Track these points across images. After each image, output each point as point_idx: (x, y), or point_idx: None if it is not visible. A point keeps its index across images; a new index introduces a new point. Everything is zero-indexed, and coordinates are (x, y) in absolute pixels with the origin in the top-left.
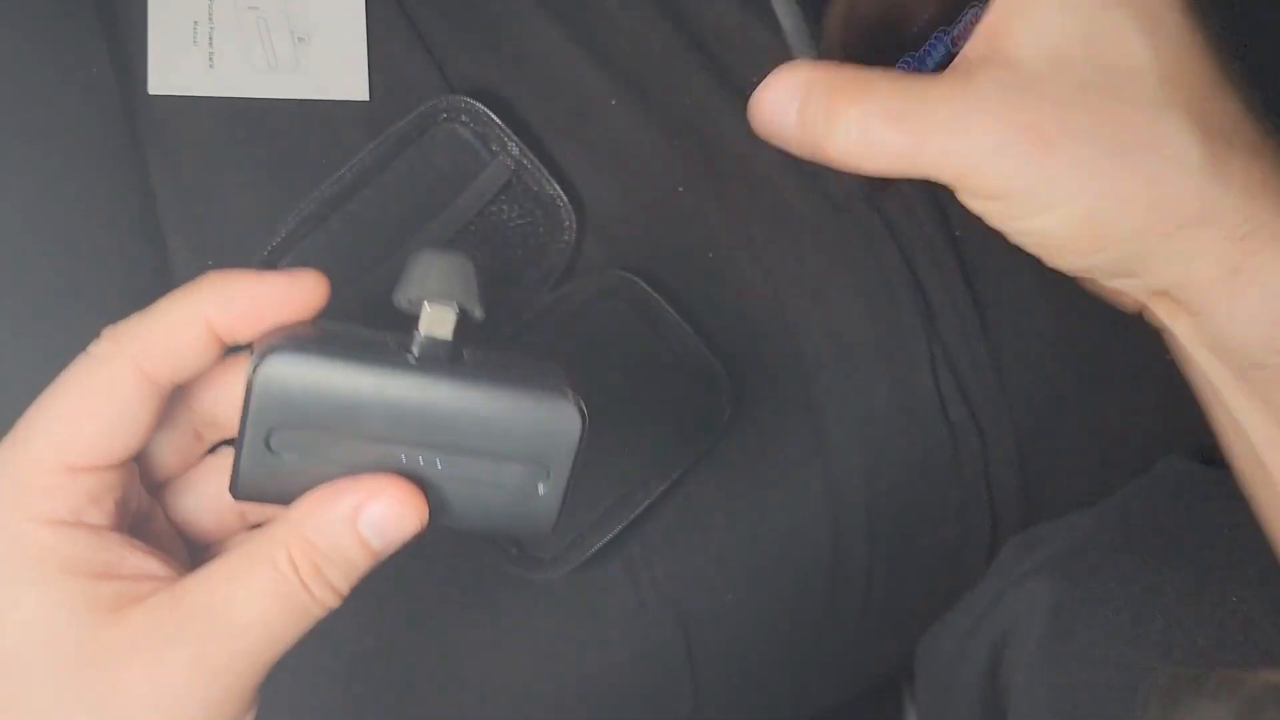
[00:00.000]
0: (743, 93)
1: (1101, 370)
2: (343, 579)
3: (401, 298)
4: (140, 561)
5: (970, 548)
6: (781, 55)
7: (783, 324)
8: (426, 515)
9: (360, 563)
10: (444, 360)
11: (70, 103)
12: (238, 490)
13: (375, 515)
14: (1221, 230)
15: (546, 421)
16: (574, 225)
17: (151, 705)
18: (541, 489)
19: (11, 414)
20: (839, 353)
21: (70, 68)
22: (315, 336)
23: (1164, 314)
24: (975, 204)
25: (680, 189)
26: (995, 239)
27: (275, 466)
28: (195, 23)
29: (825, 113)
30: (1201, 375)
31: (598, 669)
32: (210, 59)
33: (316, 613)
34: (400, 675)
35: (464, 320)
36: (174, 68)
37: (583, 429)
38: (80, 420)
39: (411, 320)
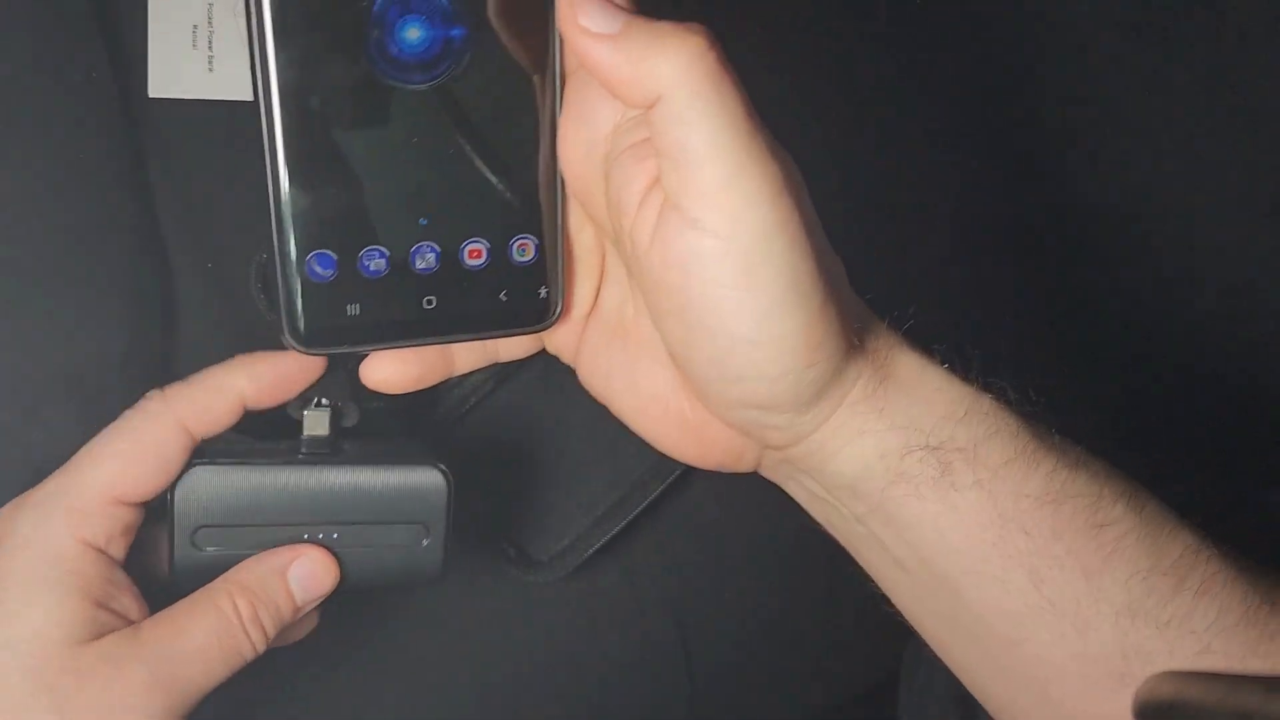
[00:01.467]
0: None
1: (1099, 370)
2: (271, 623)
3: (292, 408)
4: (126, 601)
5: None
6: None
7: None
8: (338, 575)
9: (285, 612)
10: (326, 453)
11: (70, 106)
12: (172, 583)
13: (300, 571)
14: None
15: (418, 488)
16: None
17: (108, 711)
18: (425, 542)
19: (12, 413)
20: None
21: (70, 71)
22: (222, 450)
23: (774, 467)
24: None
25: None
26: (995, 241)
27: (201, 559)
28: (195, 26)
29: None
30: (831, 510)
31: (595, 669)
32: (210, 63)
33: (247, 653)
34: (400, 674)
35: (339, 419)
36: (174, 71)
37: (449, 490)
38: (132, 460)
39: (299, 426)
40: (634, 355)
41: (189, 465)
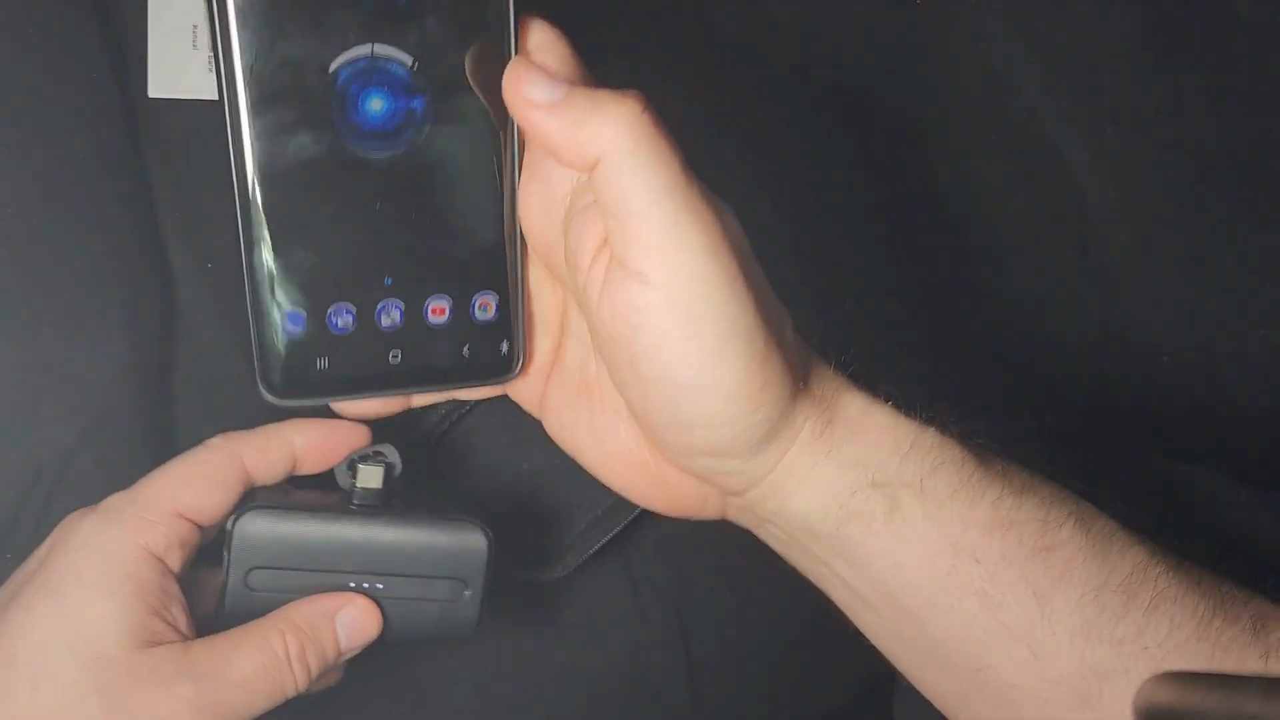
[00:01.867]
0: (741, 96)
1: (1100, 370)
2: (316, 664)
3: (343, 464)
4: (177, 613)
5: None
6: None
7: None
8: (381, 625)
9: (330, 655)
10: (377, 506)
11: (70, 106)
12: (223, 619)
13: (347, 618)
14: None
15: (460, 545)
16: None
17: None
18: (464, 598)
19: (12, 413)
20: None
21: (70, 71)
22: (279, 497)
23: (739, 513)
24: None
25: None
26: (994, 242)
27: (252, 599)
28: (195, 26)
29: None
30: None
31: (596, 669)
32: (210, 62)
33: (289, 690)
34: (399, 672)
35: (390, 476)
36: (174, 71)
37: (489, 548)
38: (193, 478)
39: (353, 477)
40: (596, 409)
41: (248, 508)
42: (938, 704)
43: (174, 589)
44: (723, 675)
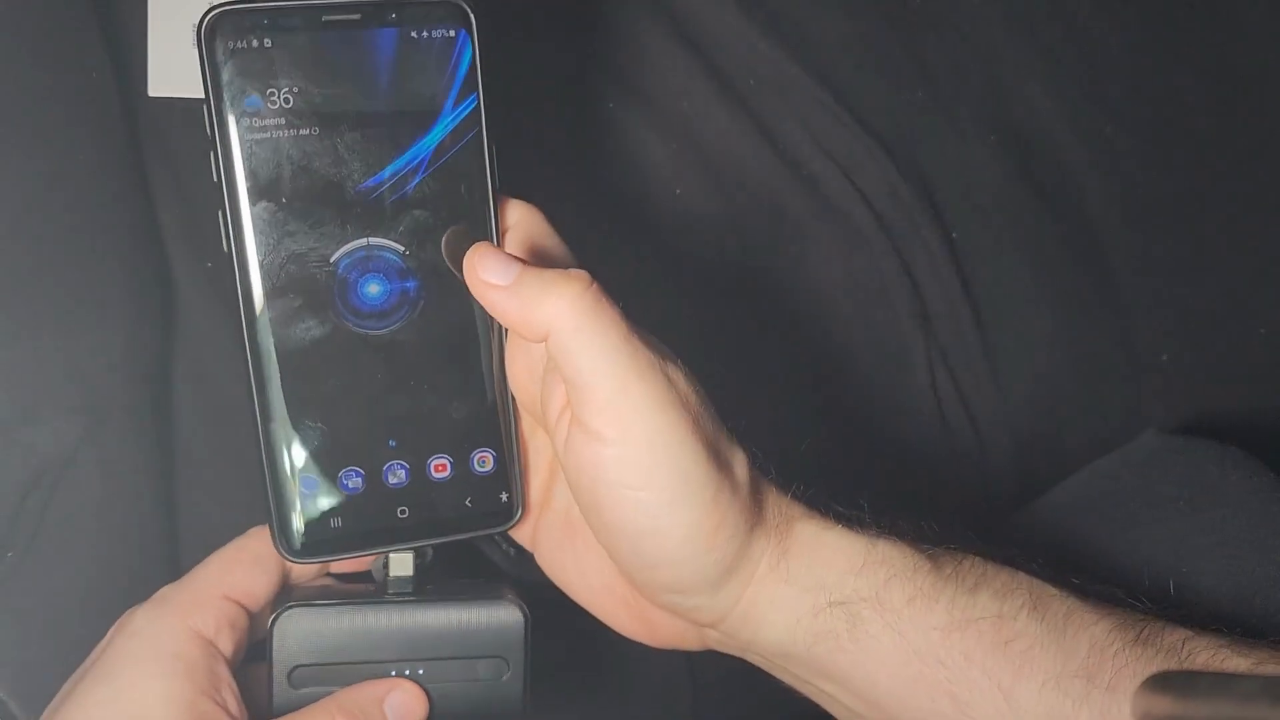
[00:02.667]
0: (740, 96)
1: (1100, 370)
2: None
3: (374, 568)
4: (228, 696)
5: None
6: (780, 59)
7: (778, 323)
8: (427, 709)
9: None
10: (410, 592)
11: (70, 106)
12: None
13: (396, 702)
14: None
15: (497, 624)
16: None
17: None
18: (506, 676)
19: (12, 413)
20: (836, 354)
21: (70, 71)
22: (314, 593)
23: (721, 644)
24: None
25: (678, 190)
26: (992, 241)
27: (299, 697)
28: (195, 26)
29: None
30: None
31: (596, 668)
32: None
33: None
34: None
35: (422, 561)
36: (174, 70)
37: (526, 625)
38: (236, 566)
39: (385, 566)
40: (581, 549)
41: (286, 607)
42: None
43: (224, 672)
44: (723, 673)
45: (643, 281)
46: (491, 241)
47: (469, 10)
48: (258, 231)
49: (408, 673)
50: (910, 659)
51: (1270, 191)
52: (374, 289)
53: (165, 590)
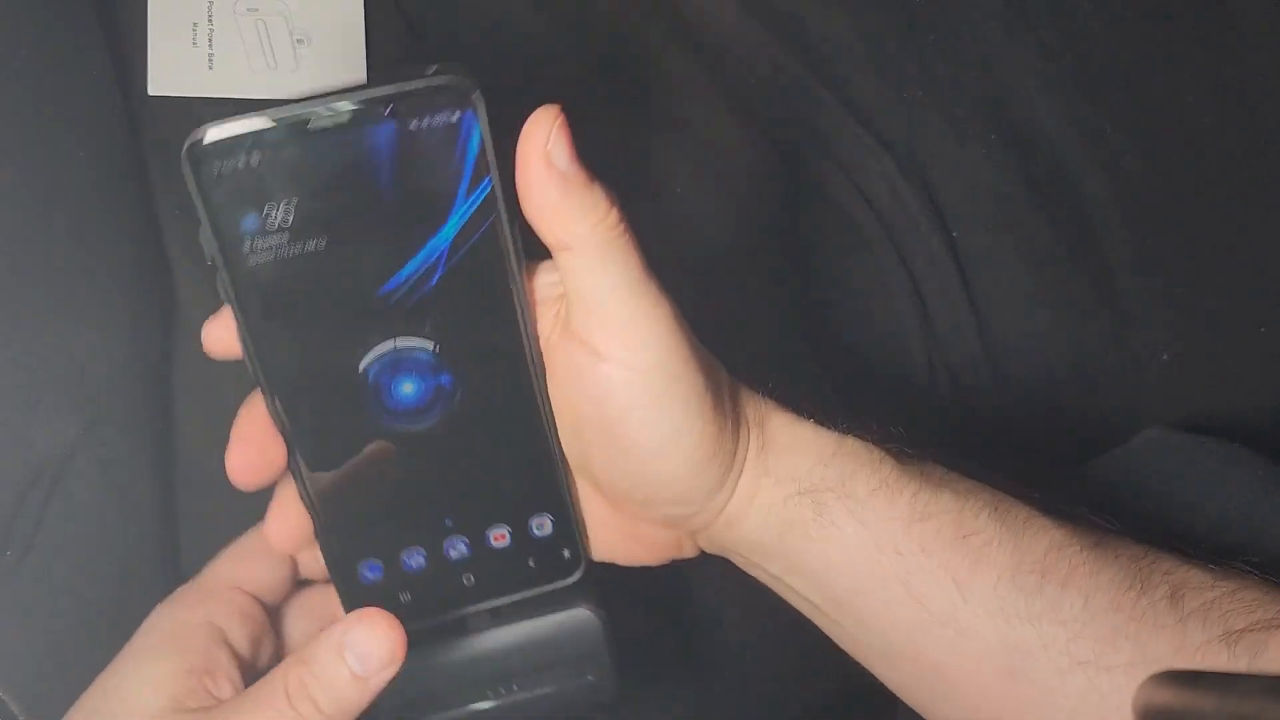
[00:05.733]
0: (740, 96)
1: (1099, 370)
2: (329, 701)
3: None
4: (221, 680)
5: None
6: (780, 58)
7: (781, 321)
8: (402, 639)
9: (347, 690)
10: (486, 623)
11: (70, 105)
12: None
13: (357, 638)
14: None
15: (576, 633)
16: None
17: None
18: (591, 678)
19: (12, 413)
20: (835, 353)
21: (70, 70)
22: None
23: (709, 546)
24: None
25: (678, 189)
26: (992, 240)
27: None
28: (195, 24)
29: None
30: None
31: None
32: (210, 60)
33: None
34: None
35: None
36: (174, 69)
37: (604, 627)
38: (249, 557)
39: None
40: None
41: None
42: (901, 695)
43: (223, 658)
44: (724, 672)
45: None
46: (520, 324)
47: (472, 89)
48: (279, 352)
49: (503, 691)
50: (869, 548)
51: (1271, 191)
52: (408, 388)
53: (182, 587)
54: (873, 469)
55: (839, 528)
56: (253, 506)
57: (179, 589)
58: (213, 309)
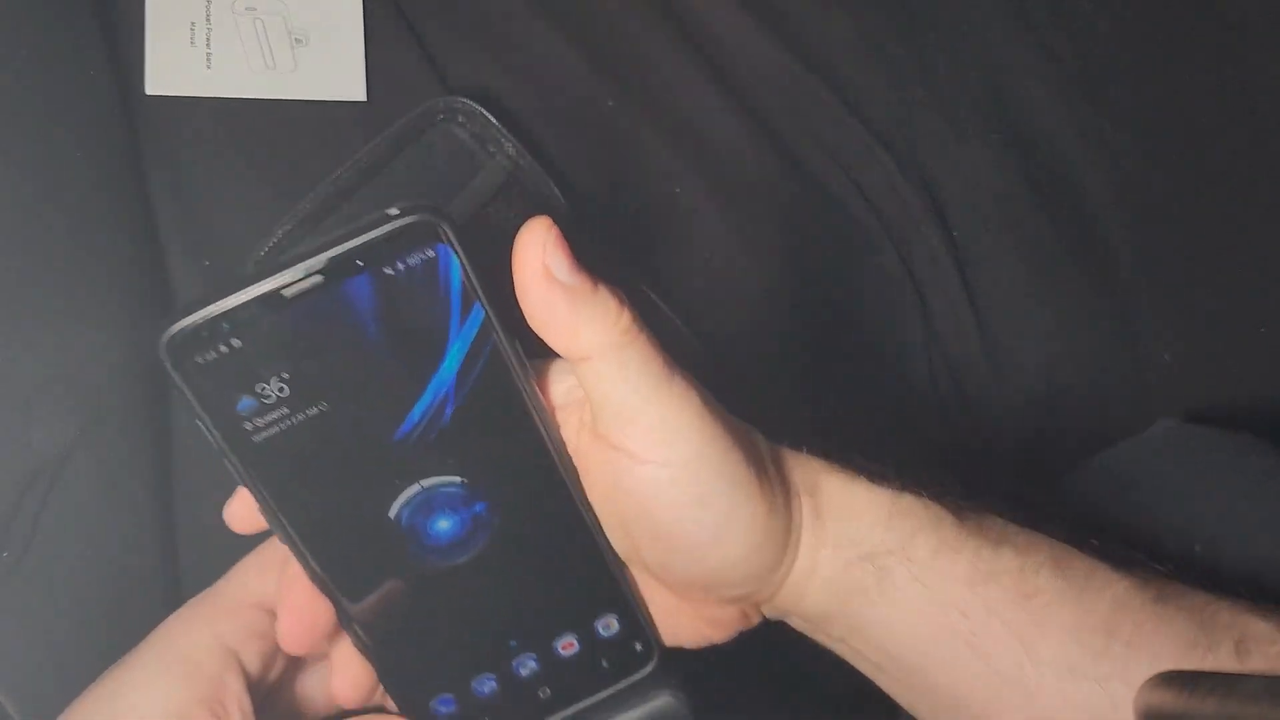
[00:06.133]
0: (741, 95)
1: (1102, 369)
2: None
3: None
4: (231, 708)
5: None
6: (780, 56)
7: (781, 322)
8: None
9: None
10: (563, 702)
11: (67, 104)
12: None
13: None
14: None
15: (663, 719)
16: (571, 226)
17: None
18: None
19: (11, 413)
20: (836, 352)
21: (67, 69)
22: None
23: (770, 611)
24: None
25: (677, 189)
26: (993, 239)
27: None
28: (193, 24)
29: None
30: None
31: None
32: (208, 60)
33: None
34: None
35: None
36: (171, 68)
37: (689, 708)
38: (271, 572)
39: None
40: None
41: None
42: None
43: (234, 683)
44: (724, 671)
45: (642, 280)
46: (543, 437)
47: (438, 222)
48: (306, 519)
49: None
50: (934, 610)
51: (1272, 189)
52: (444, 525)
53: (201, 594)
54: (932, 528)
55: (902, 591)
56: None
57: (195, 598)
58: None
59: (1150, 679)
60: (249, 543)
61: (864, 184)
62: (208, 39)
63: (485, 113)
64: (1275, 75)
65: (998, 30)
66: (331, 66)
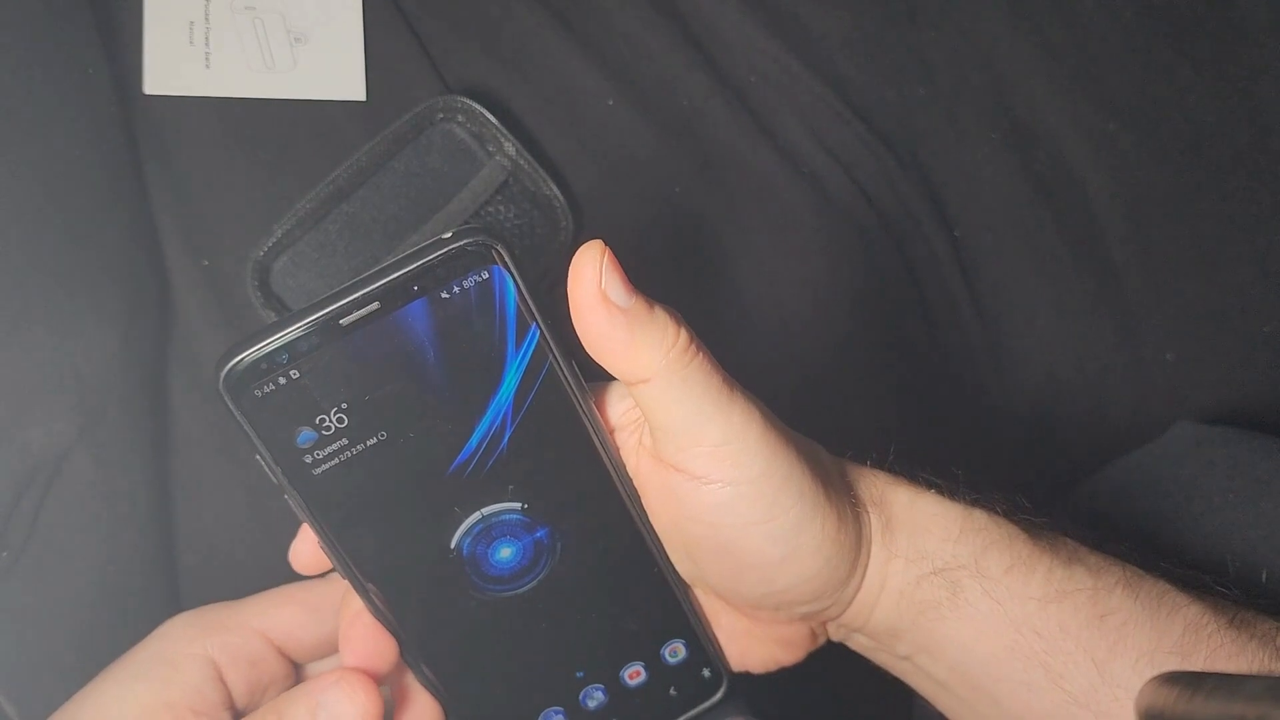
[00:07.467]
0: (741, 94)
1: (1104, 369)
2: None
3: None
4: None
5: None
6: (781, 55)
7: (781, 323)
8: (378, 710)
9: None
10: None
11: (66, 103)
12: None
13: (330, 699)
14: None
15: None
16: (570, 225)
17: None
18: None
19: (10, 412)
20: (837, 351)
21: (66, 68)
22: None
23: (835, 631)
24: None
25: (678, 189)
26: (994, 239)
27: None
28: (192, 23)
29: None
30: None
31: None
32: (207, 59)
33: None
34: None
35: None
36: (170, 68)
37: None
38: (290, 604)
39: None
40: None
41: None
42: None
43: (213, 697)
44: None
45: (642, 280)
46: (604, 459)
47: (492, 244)
48: (368, 551)
49: None
50: (1007, 628)
51: (1274, 189)
52: (505, 553)
53: (215, 604)
54: (1005, 545)
55: (974, 607)
56: (250, 506)
57: (195, 610)
58: (210, 310)
59: (1152, 679)
60: (249, 543)
61: (864, 182)
62: (206, 38)
63: (485, 112)
64: (1275, 75)
65: (999, 27)
66: (331, 66)
